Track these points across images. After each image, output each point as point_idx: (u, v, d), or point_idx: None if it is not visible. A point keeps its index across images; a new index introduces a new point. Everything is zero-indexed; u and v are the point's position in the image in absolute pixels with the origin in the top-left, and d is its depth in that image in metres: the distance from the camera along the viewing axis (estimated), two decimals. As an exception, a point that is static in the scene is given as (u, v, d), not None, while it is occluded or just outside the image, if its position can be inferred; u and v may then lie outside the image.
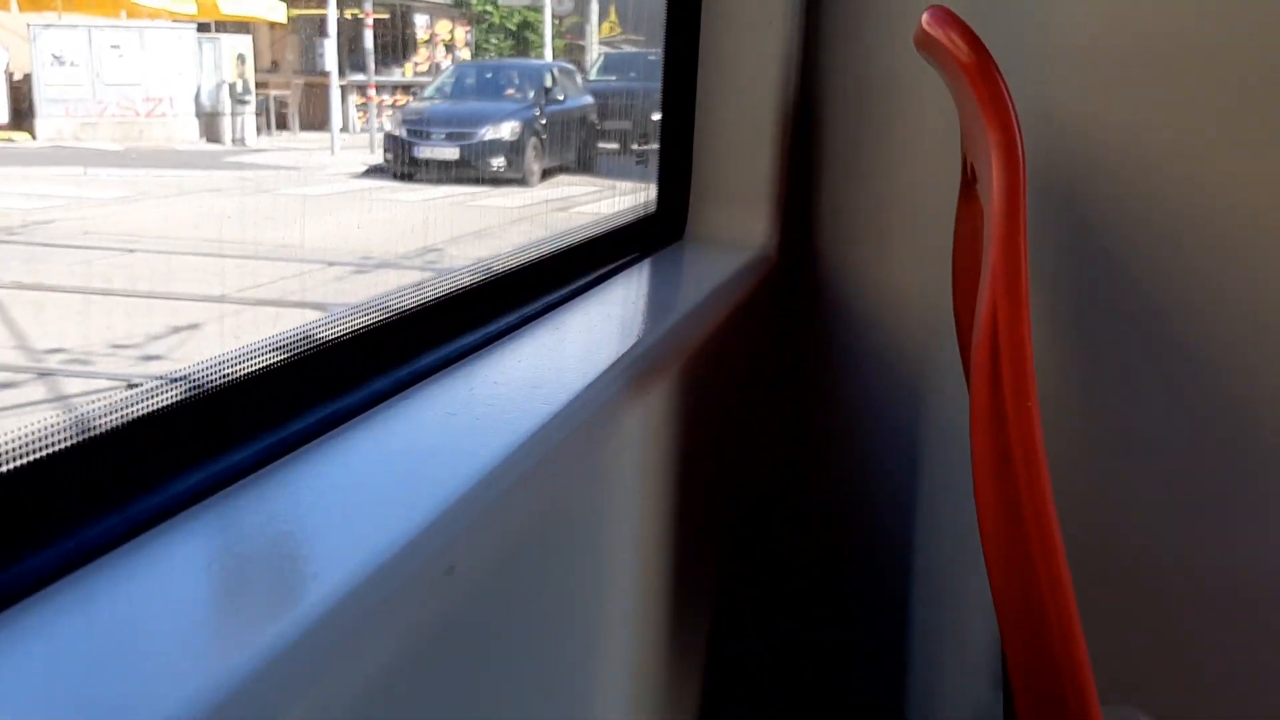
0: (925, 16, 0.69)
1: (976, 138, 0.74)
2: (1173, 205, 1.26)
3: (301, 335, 0.68)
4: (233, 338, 0.65)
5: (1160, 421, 1.30)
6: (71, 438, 0.51)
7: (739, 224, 1.35)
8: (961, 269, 1.09)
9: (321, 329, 0.70)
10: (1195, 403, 1.28)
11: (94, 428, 0.53)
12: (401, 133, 2.47)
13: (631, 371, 0.85)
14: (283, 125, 2.34)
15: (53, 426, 0.50)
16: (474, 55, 3.03)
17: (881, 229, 1.39)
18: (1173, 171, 1.26)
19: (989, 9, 1.21)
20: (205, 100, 2.01)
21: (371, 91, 2.37)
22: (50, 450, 0.50)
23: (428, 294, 0.82)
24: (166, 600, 0.46)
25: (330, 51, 2.22)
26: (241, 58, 2.13)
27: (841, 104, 1.38)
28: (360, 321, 0.73)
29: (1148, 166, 1.26)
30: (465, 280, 0.89)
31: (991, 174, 0.65)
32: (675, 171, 1.38)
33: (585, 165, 2.72)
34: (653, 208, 1.37)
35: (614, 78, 3.19)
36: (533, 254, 1.07)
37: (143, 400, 0.55)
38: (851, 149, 1.38)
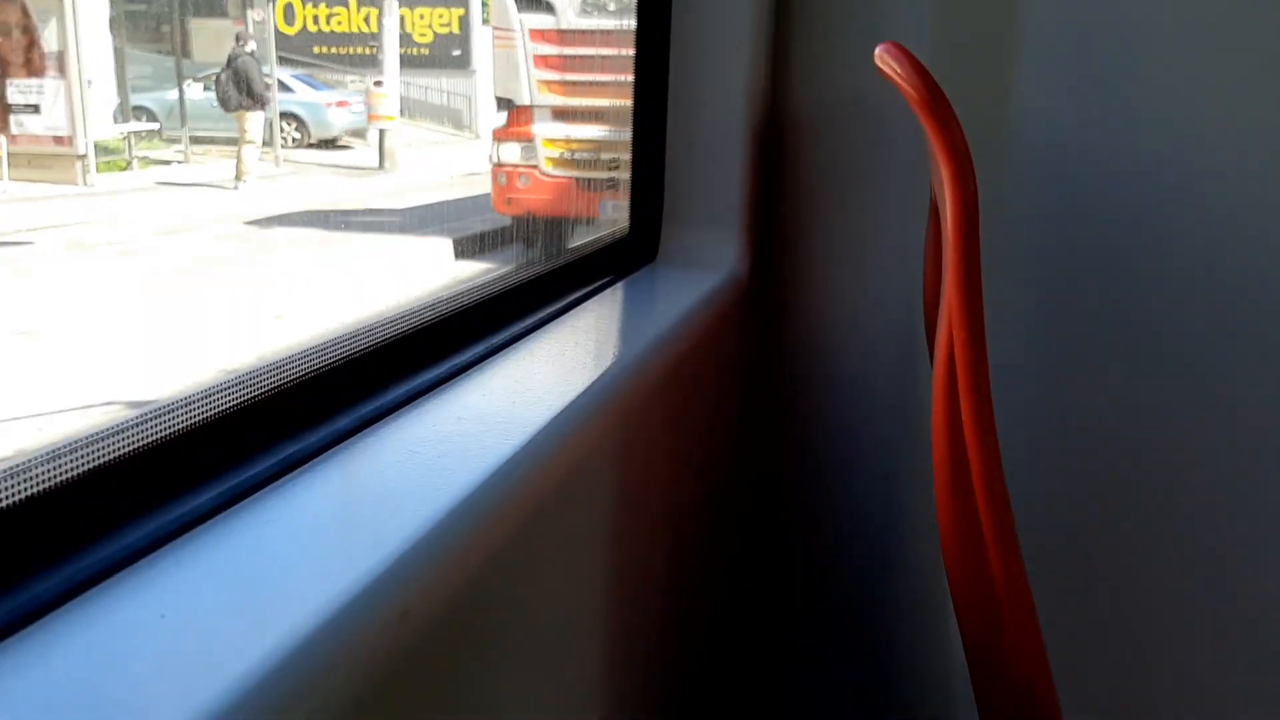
0: (877, 52, 0.69)
1: (934, 167, 0.74)
2: (1145, 206, 1.26)
3: (261, 373, 0.67)
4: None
5: (1127, 431, 1.30)
6: (19, 487, 0.50)
7: (710, 246, 1.36)
8: (933, 289, 1.09)
9: (283, 366, 0.70)
10: (1164, 413, 1.28)
11: (45, 472, 0.52)
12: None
13: (603, 399, 0.85)
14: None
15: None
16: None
17: (852, 250, 1.40)
18: (1148, 170, 1.25)
19: (959, 5, 1.21)
20: None
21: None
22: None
23: (393, 327, 0.82)
24: (122, 648, 0.46)
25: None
26: None
27: (811, 126, 1.39)
28: (323, 358, 0.73)
29: (1122, 164, 1.26)
30: (432, 312, 0.89)
31: (946, 206, 0.65)
32: (647, 194, 1.38)
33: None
34: (625, 230, 1.38)
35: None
36: (503, 281, 1.06)
37: (94, 445, 0.54)
38: (821, 171, 1.39)
